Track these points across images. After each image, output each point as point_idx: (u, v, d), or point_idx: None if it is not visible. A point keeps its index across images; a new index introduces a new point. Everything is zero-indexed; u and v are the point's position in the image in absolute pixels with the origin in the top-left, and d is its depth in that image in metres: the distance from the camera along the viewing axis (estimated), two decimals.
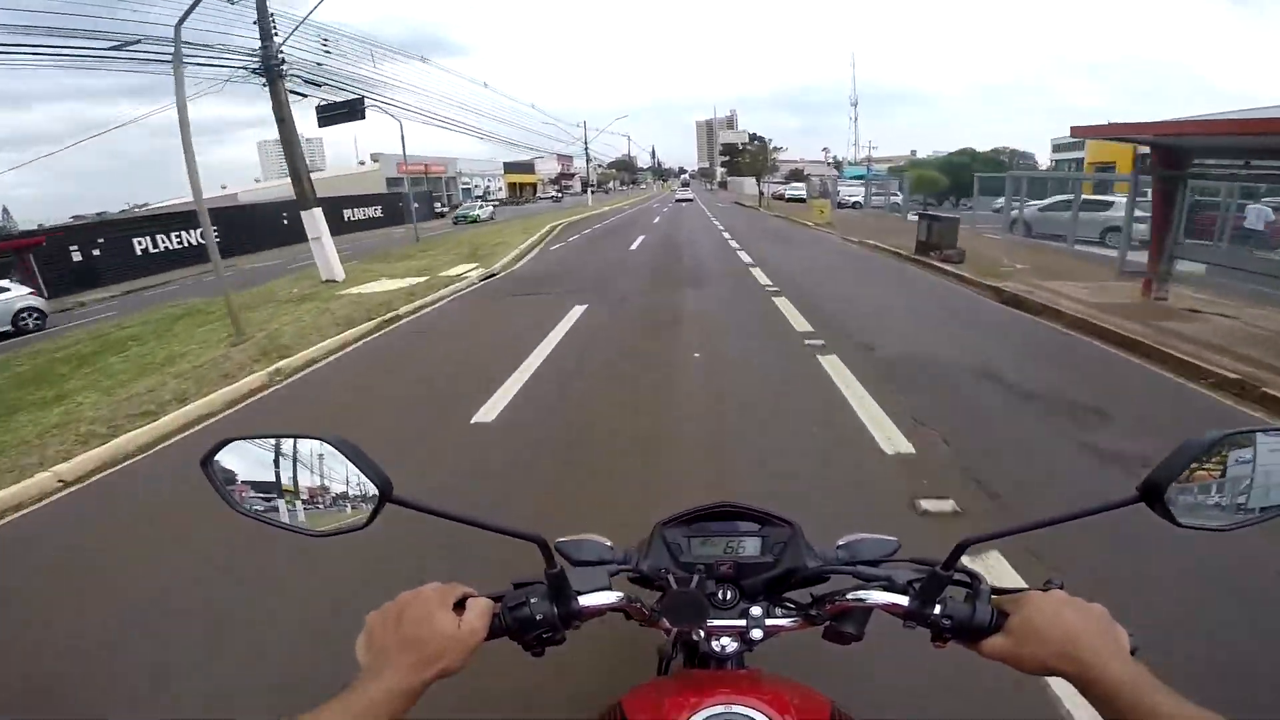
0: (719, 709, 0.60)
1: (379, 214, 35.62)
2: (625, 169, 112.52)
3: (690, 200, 45.83)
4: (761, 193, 36.47)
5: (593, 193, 67.20)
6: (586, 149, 50.49)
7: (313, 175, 13.12)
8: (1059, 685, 0.91)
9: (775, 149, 38.10)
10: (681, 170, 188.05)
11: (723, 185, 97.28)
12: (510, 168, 69.99)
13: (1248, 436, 0.59)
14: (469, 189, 60.63)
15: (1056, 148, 35.39)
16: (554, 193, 74.29)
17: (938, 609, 0.64)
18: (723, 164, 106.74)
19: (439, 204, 50.34)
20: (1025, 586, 0.64)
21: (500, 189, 69.35)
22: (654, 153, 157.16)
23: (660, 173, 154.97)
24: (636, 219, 26.79)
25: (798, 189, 39.26)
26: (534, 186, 77.89)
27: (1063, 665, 0.55)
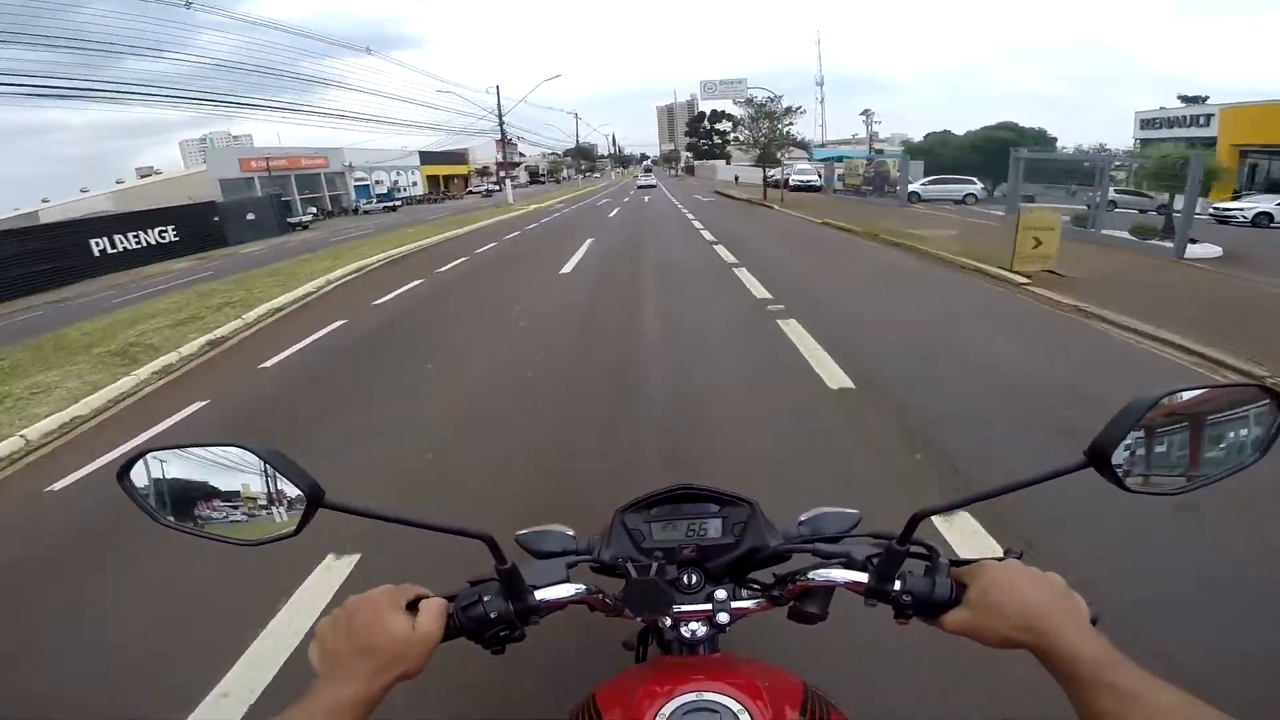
0: (691, 696, 0.60)
1: (173, 237, 23.95)
2: (582, 156, 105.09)
3: (653, 187, 42.25)
4: (777, 183, 26.59)
5: (547, 182, 57.70)
6: (501, 123, 39.80)
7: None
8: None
9: (790, 111, 25.61)
10: (643, 156, 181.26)
11: (689, 170, 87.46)
12: (430, 158, 59.46)
13: (1190, 394, 0.58)
14: (365, 185, 50.00)
15: (1145, 124, 27.75)
16: (485, 186, 65.31)
17: (897, 585, 0.63)
18: (687, 147, 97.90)
19: (312, 209, 41.37)
20: (983, 558, 0.62)
21: (415, 183, 59.03)
22: (614, 139, 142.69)
23: (621, 159, 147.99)
24: (568, 229, 17.73)
25: (806, 173, 30.66)
26: (464, 179, 68.43)
27: (1023, 637, 0.54)
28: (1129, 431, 0.55)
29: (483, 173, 70.10)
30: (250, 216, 26.30)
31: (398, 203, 43.62)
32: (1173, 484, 0.58)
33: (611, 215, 20.91)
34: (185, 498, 0.60)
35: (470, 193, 57.77)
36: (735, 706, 0.59)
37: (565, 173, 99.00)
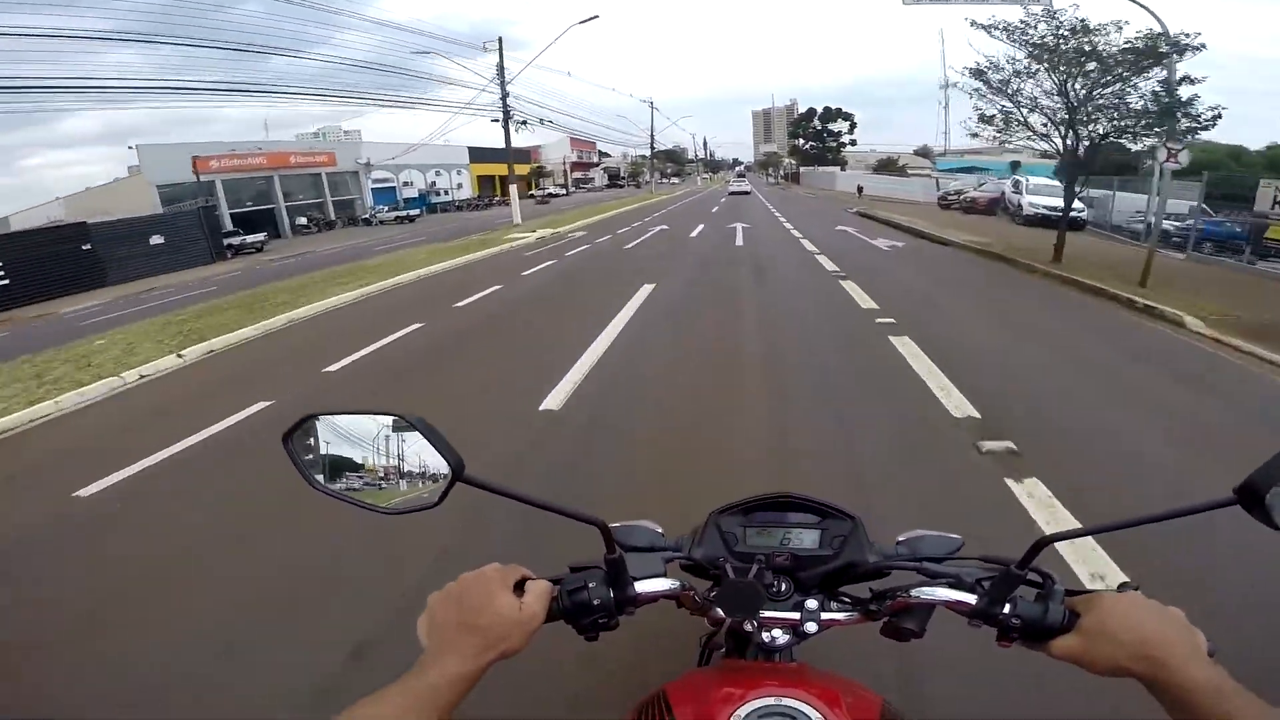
0: (769, 700, 0.60)
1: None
2: (670, 159, 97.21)
3: (746, 193, 38.77)
4: (950, 202, 20.09)
5: (627, 185, 57.52)
6: (652, 139, 45.07)
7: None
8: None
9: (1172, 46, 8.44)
10: (736, 162, 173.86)
11: (791, 178, 75.38)
12: (483, 154, 51.71)
13: None
14: (388, 187, 42.43)
15: None
16: (549, 189, 59.33)
17: (1007, 608, 0.63)
18: (790, 151, 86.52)
19: (303, 219, 34.84)
20: (1100, 588, 0.63)
21: (460, 185, 51.85)
22: (705, 143, 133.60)
23: (712, 164, 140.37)
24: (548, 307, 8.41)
25: (1046, 193, 16.74)
26: (529, 181, 60.03)
27: (1137, 666, 0.55)
28: None
29: (537, 175, 64.89)
30: (157, 240, 20.59)
31: (417, 211, 36.77)
32: None
33: (673, 258, 12.12)
34: (339, 463, 0.63)
35: (530, 196, 50.36)
36: (814, 714, 0.58)
37: (645, 176, 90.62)
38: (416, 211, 35.23)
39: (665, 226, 18.51)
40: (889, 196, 28.60)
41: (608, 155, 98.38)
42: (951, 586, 0.67)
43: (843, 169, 59.39)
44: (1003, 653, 0.63)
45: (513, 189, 22.20)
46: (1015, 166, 30.21)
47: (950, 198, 21.23)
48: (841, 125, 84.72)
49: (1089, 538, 0.71)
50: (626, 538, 0.77)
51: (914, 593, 0.68)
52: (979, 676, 1.61)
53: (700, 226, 17.81)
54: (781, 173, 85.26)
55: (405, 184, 40.50)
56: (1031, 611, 0.62)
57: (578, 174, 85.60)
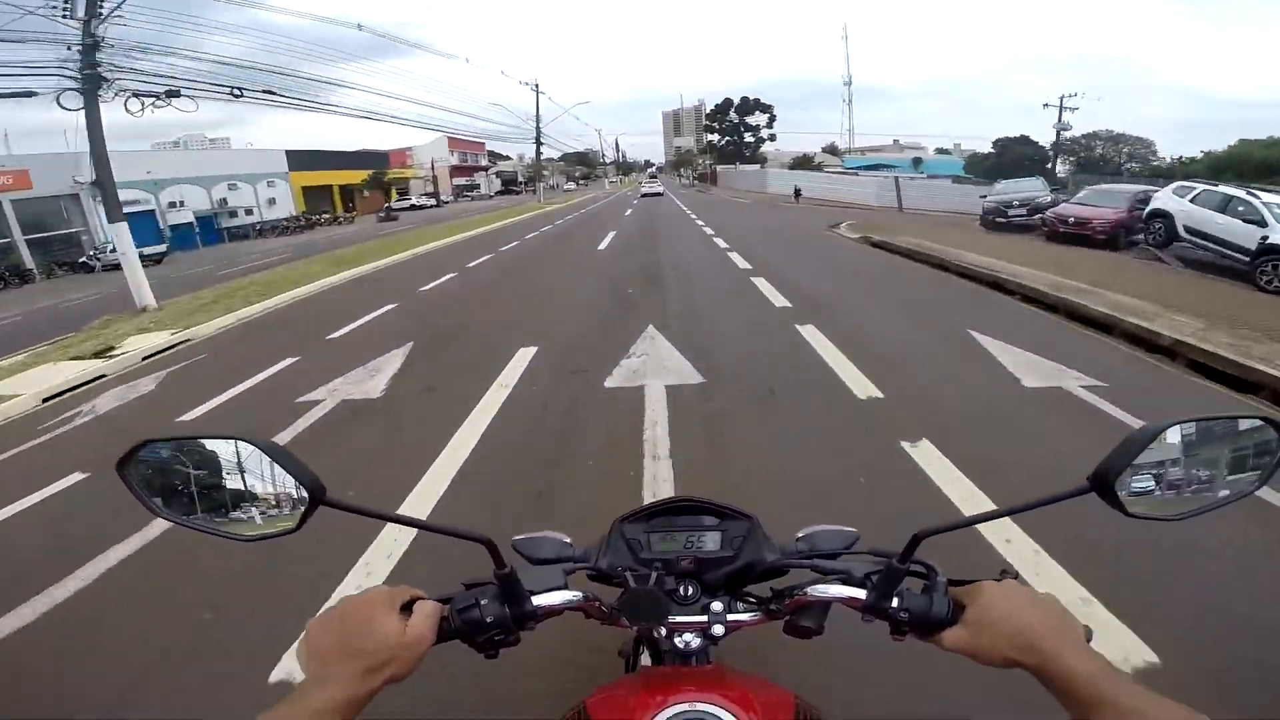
0: (683, 707, 0.62)
1: None
2: (581, 161, 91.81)
3: (659, 195, 38.79)
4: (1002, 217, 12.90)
5: (524, 192, 55.27)
6: (539, 134, 37.41)
7: None
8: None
9: None
10: (648, 163, 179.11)
11: (705, 178, 68.08)
12: (307, 160, 40.82)
13: (1195, 425, 0.61)
14: (145, 212, 28.60)
15: None
16: (408, 202, 51.62)
17: (895, 602, 0.65)
18: (704, 149, 79.04)
19: None
20: (980, 578, 0.65)
21: (273, 200, 38.67)
22: (617, 144, 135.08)
23: (624, 166, 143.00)
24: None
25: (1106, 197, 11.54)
26: (386, 191, 51.44)
27: (1021, 656, 0.56)
28: (1132, 459, 0.58)
29: (380, 184, 54.66)
30: None
31: (162, 248, 25.31)
32: (1173, 510, 0.61)
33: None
34: (184, 490, 0.59)
35: (390, 211, 41.22)
36: (727, 718, 0.60)
37: (552, 180, 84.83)
38: (162, 249, 24.89)
39: (580, 229, 16.36)
40: (834, 199, 26.06)
41: (505, 158, 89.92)
42: (843, 583, 0.69)
43: (762, 166, 54.14)
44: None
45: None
46: (917, 163, 29.45)
47: (1006, 212, 14.28)
48: (759, 118, 74.27)
49: (961, 529, 0.71)
50: (531, 550, 0.78)
51: (809, 590, 0.71)
52: (883, 666, 1.58)
53: (626, 214, 17.89)
54: (695, 172, 78.03)
55: (174, 205, 30.01)
56: (918, 604, 0.64)
57: (460, 179, 71.01)
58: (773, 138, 71.93)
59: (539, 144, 38.89)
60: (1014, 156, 48.76)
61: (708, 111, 69.31)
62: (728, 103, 65.87)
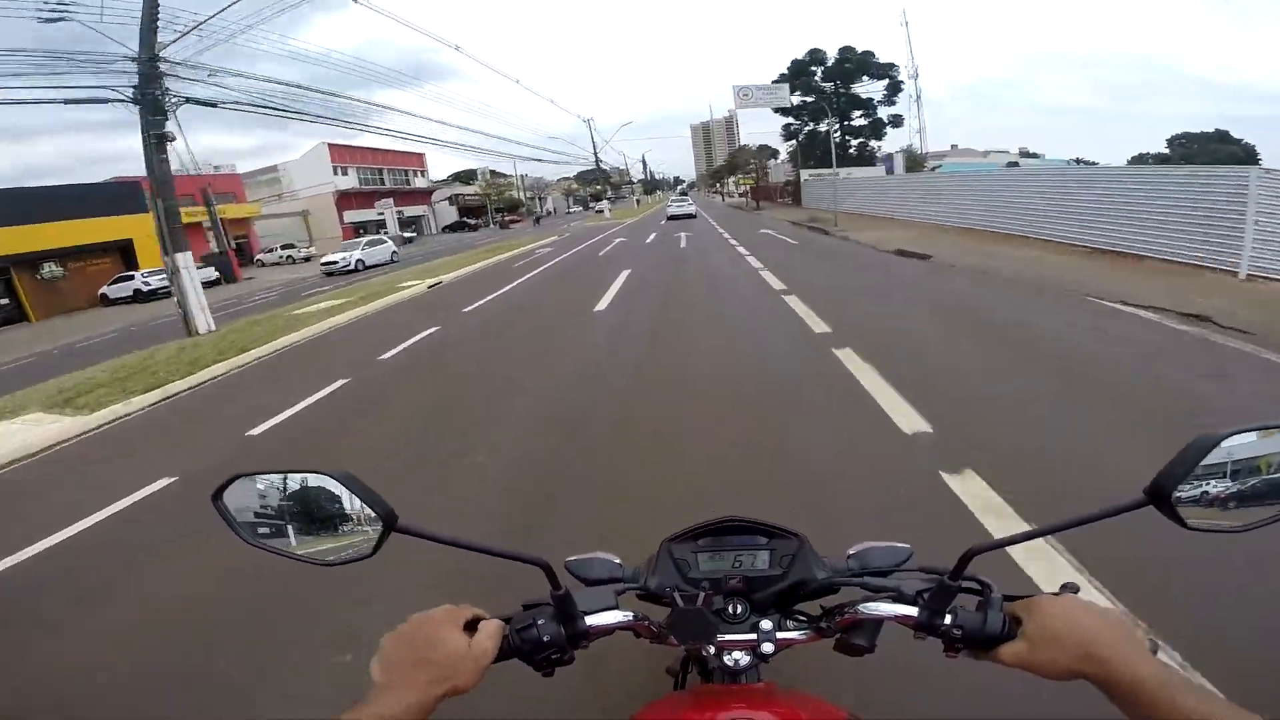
0: None
1: None
2: (600, 180, 67.66)
3: (692, 217, 34.88)
4: None
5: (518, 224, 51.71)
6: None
7: None
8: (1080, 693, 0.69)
9: None
10: (678, 180, 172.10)
11: (762, 195, 47.31)
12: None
13: (1257, 434, 0.64)
14: None
15: None
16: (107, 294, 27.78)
17: (948, 619, 0.71)
18: (787, 139, 49.59)
19: None
20: (1040, 593, 0.71)
21: None
22: (644, 161, 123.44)
23: (651, 185, 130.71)
24: None
25: None
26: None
27: (1085, 667, 0.62)
28: (1190, 471, 0.62)
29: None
30: None
31: None
32: (1232, 522, 0.65)
33: None
34: (272, 519, 0.72)
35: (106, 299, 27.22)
36: None
37: (549, 205, 76.17)
38: None
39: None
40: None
41: (469, 179, 71.84)
42: (894, 600, 0.77)
43: (889, 171, 38.54)
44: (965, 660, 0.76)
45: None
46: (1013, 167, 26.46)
47: None
48: (872, 87, 39.48)
49: (1014, 545, 0.71)
50: (583, 571, 0.90)
51: (860, 609, 0.78)
52: (940, 682, 1.82)
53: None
54: (740, 187, 58.80)
55: None
56: (972, 621, 0.69)
57: (358, 213, 34.36)
58: (896, 122, 32.86)
59: (607, 179, 44.52)
60: (1211, 157, 39.68)
61: (780, 74, 44.87)
62: (814, 56, 42.11)
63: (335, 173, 47.39)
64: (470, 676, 0.68)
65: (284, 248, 39.62)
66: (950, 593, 0.70)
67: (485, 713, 1.38)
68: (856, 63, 40.82)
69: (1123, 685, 0.58)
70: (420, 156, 59.28)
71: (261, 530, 0.71)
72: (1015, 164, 38.57)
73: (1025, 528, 1.50)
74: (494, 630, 0.72)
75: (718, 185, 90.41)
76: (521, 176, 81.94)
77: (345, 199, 46.87)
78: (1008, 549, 0.71)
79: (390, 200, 49.17)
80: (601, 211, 59.38)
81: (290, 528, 0.70)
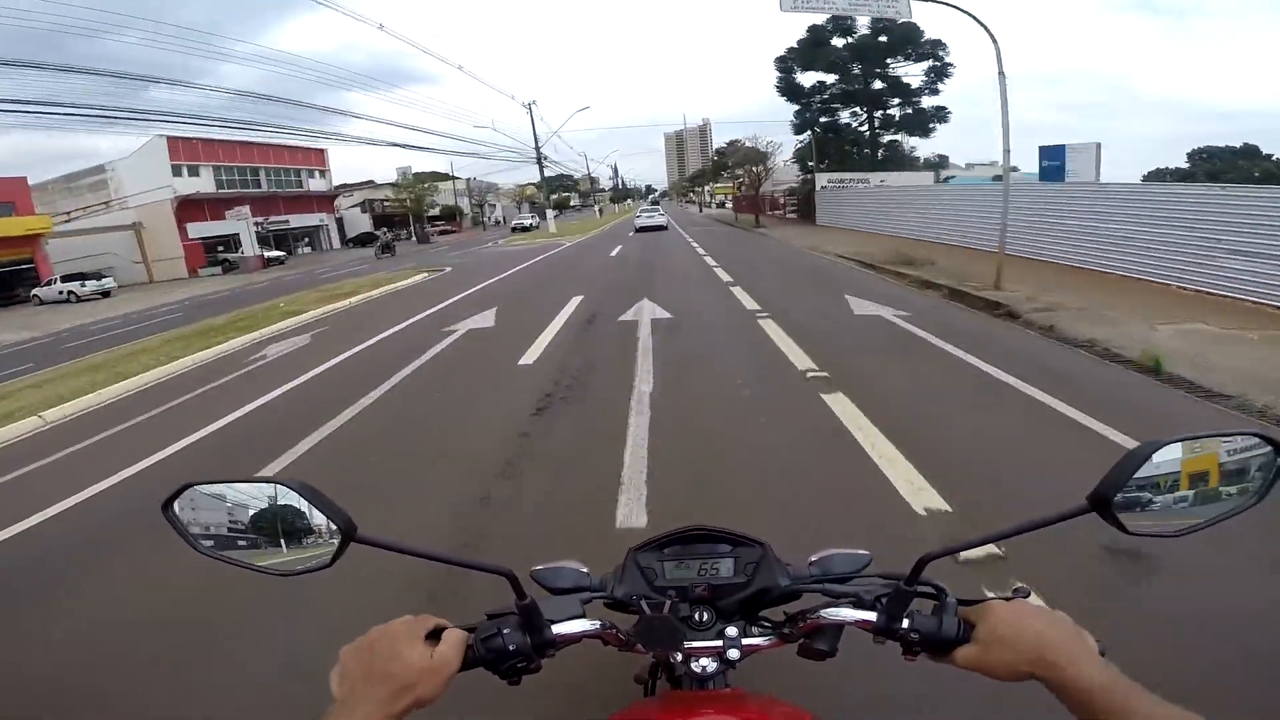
0: None
1: None
2: (561, 188, 69.90)
3: (663, 228, 31.71)
4: None
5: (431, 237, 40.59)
6: None
7: None
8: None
9: None
10: (649, 189, 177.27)
11: (738, 204, 46.24)
12: None
13: (1192, 443, 0.71)
14: None
15: None
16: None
17: (905, 623, 0.77)
18: (802, 131, 36.53)
19: None
20: (991, 596, 0.78)
21: None
22: (615, 169, 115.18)
23: (622, 193, 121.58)
24: None
25: None
26: None
27: (1036, 670, 0.68)
28: (1130, 477, 0.67)
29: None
30: None
31: None
32: (1172, 526, 0.72)
33: None
34: (225, 529, 0.72)
35: None
36: None
37: (497, 213, 64.62)
38: None
39: None
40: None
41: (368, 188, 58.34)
42: (854, 606, 0.82)
43: (938, 178, 31.29)
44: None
45: None
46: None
47: None
48: (910, 69, 28.73)
49: (965, 550, 0.75)
50: (549, 580, 0.94)
51: (821, 614, 0.83)
52: (901, 684, 1.98)
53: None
54: (736, 186, 46.32)
55: None
56: (928, 625, 0.75)
57: (209, 225, 18.77)
58: (942, 116, 18.06)
59: (567, 185, 45.71)
60: (1237, 174, 37.51)
61: (790, 47, 34.85)
62: (837, 22, 30.15)
63: (181, 174, 36.04)
64: (433, 688, 0.70)
65: (66, 279, 29.13)
66: (906, 598, 0.75)
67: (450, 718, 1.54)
68: (898, 35, 29.29)
69: (1073, 688, 0.62)
70: (320, 153, 48.79)
71: (215, 541, 0.72)
72: (998, 178, 29.78)
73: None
74: (457, 640, 0.74)
75: (691, 194, 76.88)
76: (469, 180, 70.84)
77: (189, 207, 35.68)
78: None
79: (245, 209, 34.91)
80: (530, 228, 43.17)
81: (245, 539, 0.71)
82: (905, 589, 0.72)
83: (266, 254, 34.61)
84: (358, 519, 0.67)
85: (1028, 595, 0.71)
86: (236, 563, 0.69)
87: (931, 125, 32.17)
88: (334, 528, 0.65)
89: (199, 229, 35.26)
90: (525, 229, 41.12)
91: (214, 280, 30.73)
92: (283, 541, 0.67)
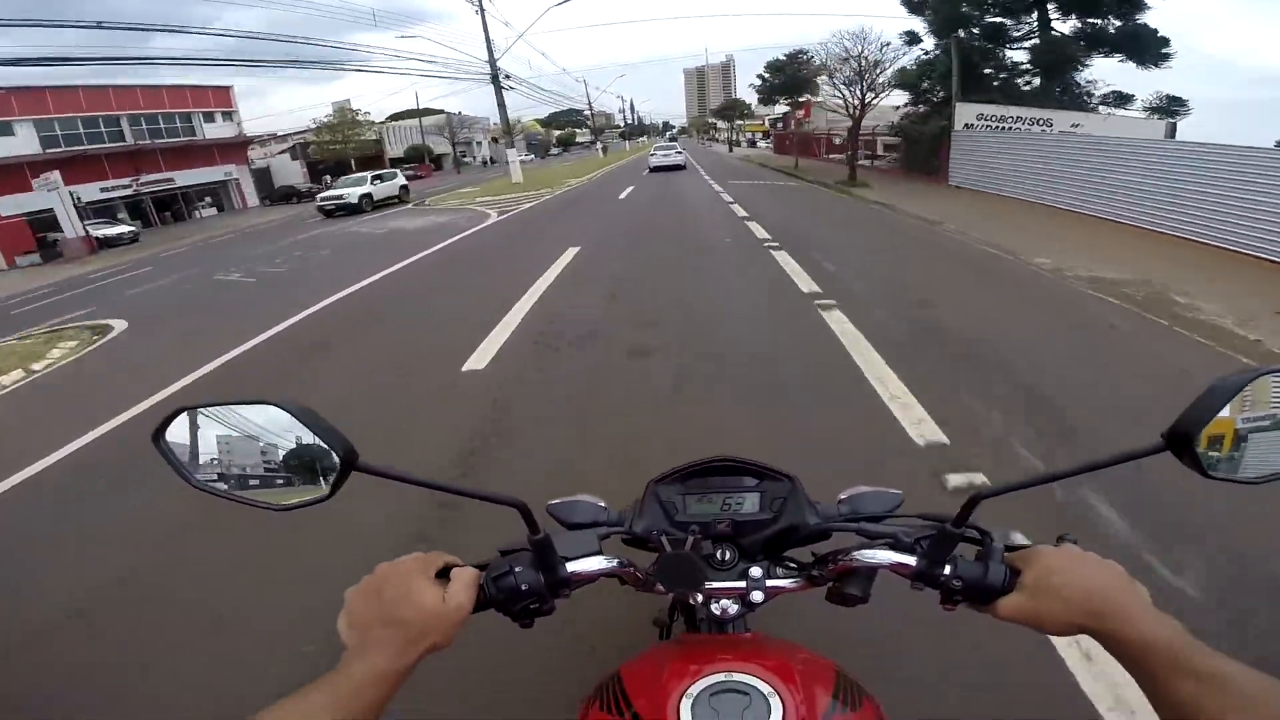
0: (720, 676, 0.67)
1: None
2: (567, 123, 78.54)
3: (681, 168, 30.46)
4: None
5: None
6: None
7: None
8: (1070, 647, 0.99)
9: None
10: (667, 126, 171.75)
11: (787, 136, 39.94)
12: None
13: (1271, 376, 0.64)
14: None
15: None
16: None
17: (947, 569, 0.73)
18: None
19: None
20: (1038, 544, 0.73)
21: None
22: (631, 105, 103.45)
23: (634, 130, 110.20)
24: None
25: None
26: None
27: (1088, 623, 0.63)
28: (1213, 415, 0.61)
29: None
30: None
31: None
32: (1257, 469, 0.64)
33: None
34: (219, 457, 0.70)
35: None
36: (765, 689, 0.66)
37: (484, 153, 54.93)
38: None
39: None
40: None
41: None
42: (891, 548, 0.78)
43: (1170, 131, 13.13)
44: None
45: None
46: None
47: None
48: None
49: (1022, 491, 0.65)
50: (565, 514, 0.92)
51: (855, 555, 0.79)
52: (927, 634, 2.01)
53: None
54: (748, 134, 54.53)
55: None
56: (972, 572, 0.71)
57: (28, 197, 24.73)
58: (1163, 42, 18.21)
59: (577, 121, 43.30)
60: None
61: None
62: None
63: None
64: (447, 632, 0.67)
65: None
66: (951, 540, 0.70)
67: (461, 666, 1.40)
68: None
69: (1130, 643, 0.58)
70: (222, 92, 36.69)
71: (208, 471, 0.68)
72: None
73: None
74: (469, 580, 0.70)
75: (713, 130, 63.15)
76: (450, 115, 58.67)
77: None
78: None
79: (54, 175, 22.87)
80: (359, 200, 22.45)
81: (239, 467, 0.67)
82: (952, 530, 0.66)
83: (101, 232, 24.89)
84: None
85: (1075, 542, 0.67)
86: (230, 496, 0.63)
87: (1165, 49, 17.19)
88: (333, 455, 0.60)
89: (10, 204, 24.15)
90: (346, 204, 23.28)
91: (11, 277, 19.36)
92: (279, 470, 0.62)
